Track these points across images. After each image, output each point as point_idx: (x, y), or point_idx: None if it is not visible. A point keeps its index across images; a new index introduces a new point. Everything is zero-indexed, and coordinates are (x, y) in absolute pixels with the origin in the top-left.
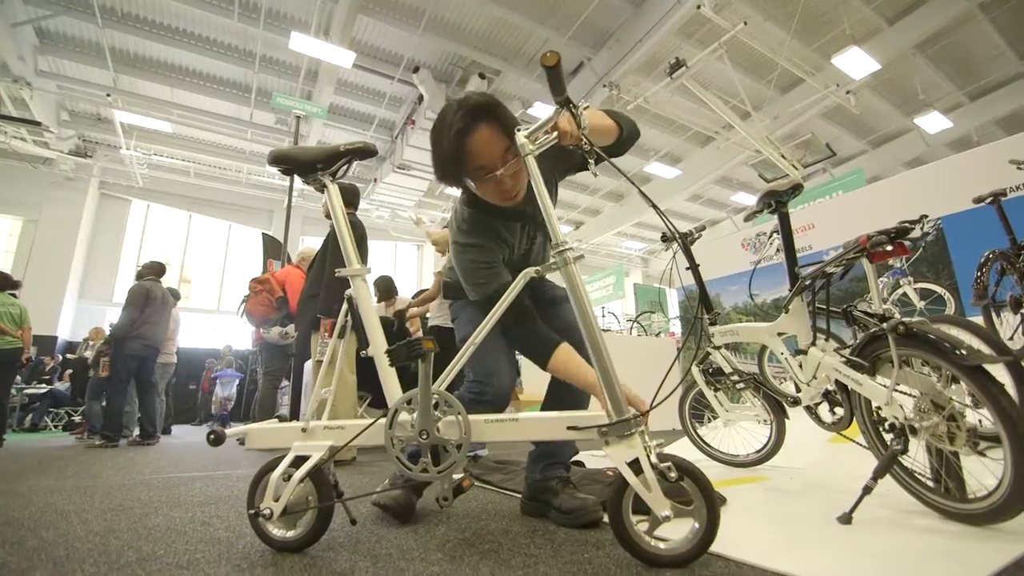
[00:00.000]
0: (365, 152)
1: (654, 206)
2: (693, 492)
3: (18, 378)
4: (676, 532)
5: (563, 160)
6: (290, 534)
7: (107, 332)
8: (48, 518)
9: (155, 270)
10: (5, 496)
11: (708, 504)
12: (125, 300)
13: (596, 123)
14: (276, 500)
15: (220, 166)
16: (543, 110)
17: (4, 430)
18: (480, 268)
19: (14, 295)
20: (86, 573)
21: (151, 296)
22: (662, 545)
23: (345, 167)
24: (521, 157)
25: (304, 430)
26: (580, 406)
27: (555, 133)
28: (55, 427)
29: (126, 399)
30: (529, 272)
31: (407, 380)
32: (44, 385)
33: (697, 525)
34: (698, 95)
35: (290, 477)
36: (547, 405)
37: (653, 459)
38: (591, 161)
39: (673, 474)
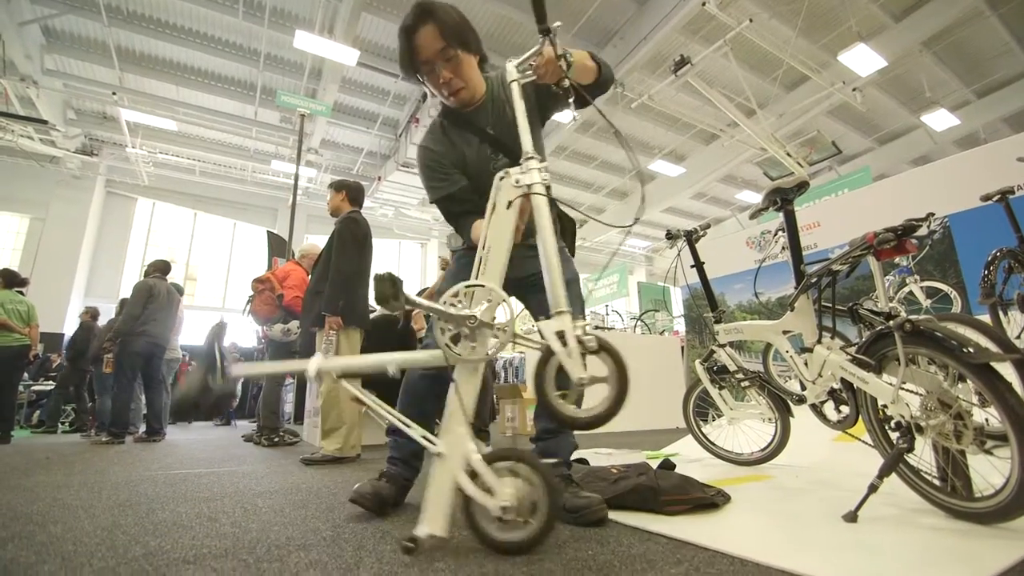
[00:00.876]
0: None
1: (626, 145)
2: (608, 364)
3: (25, 375)
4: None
5: (547, 98)
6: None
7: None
8: (56, 513)
9: (160, 268)
10: (13, 491)
11: (620, 373)
12: (129, 298)
13: (579, 62)
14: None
15: (225, 164)
16: None
17: (12, 426)
18: (432, 170)
19: (21, 292)
20: (94, 567)
21: (154, 293)
22: (580, 411)
23: None
24: (462, 56)
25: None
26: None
27: (537, 64)
28: (62, 423)
29: (132, 396)
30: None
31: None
32: (51, 382)
33: (611, 390)
34: (703, 93)
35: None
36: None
37: (578, 332)
38: (571, 101)
39: (593, 345)
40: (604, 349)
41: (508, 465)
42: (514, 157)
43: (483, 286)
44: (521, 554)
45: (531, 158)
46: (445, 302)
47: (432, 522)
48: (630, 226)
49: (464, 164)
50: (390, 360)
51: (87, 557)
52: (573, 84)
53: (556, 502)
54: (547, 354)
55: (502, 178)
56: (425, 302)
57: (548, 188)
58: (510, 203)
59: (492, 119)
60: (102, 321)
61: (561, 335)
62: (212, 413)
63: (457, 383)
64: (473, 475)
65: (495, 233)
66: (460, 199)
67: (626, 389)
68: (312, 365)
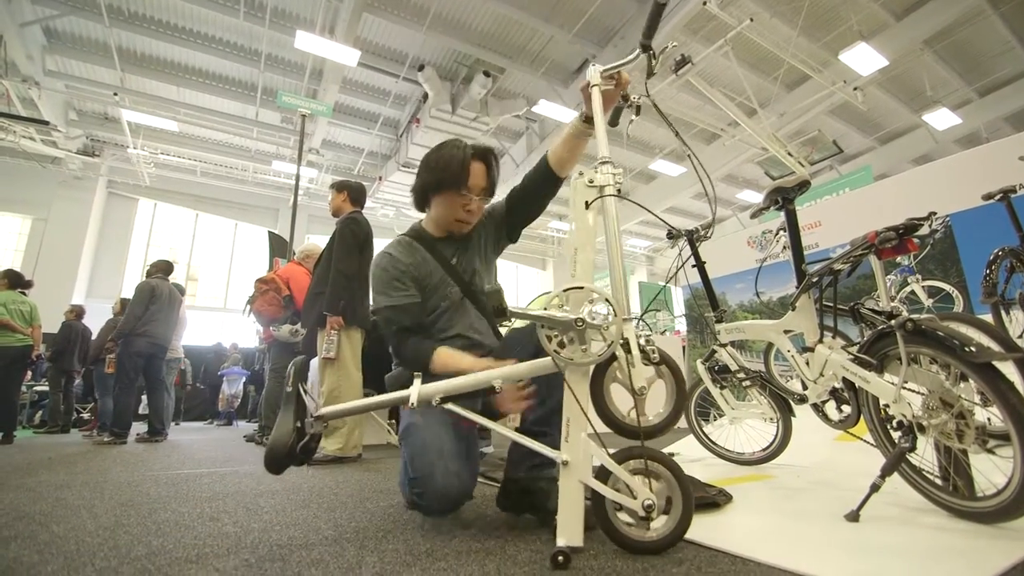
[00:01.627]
0: None
1: (691, 156)
2: (666, 376)
3: (28, 375)
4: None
5: (496, 230)
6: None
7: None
8: (59, 513)
9: (162, 268)
10: (16, 491)
11: (678, 382)
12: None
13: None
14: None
15: (226, 165)
16: (547, 108)
17: (14, 426)
18: (393, 277)
19: (24, 293)
20: (96, 567)
21: (156, 294)
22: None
23: None
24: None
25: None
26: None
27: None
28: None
29: (134, 396)
30: None
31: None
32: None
33: (666, 398)
34: (704, 92)
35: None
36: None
37: (641, 342)
38: (633, 113)
39: (656, 356)
40: (664, 361)
41: (639, 463)
42: (466, 288)
43: (582, 287)
44: (659, 553)
45: (606, 162)
46: (546, 308)
47: (569, 534)
48: (710, 228)
49: (424, 285)
50: (496, 375)
51: (89, 556)
52: (653, 102)
53: (690, 497)
54: (609, 360)
55: (576, 178)
56: (530, 311)
57: (619, 191)
58: (588, 203)
59: (456, 252)
60: (95, 321)
61: (625, 343)
62: (303, 460)
63: (571, 387)
64: (603, 476)
65: (580, 234)
66: (411, 312)
67: (684, 396)
68: (413, 393)
